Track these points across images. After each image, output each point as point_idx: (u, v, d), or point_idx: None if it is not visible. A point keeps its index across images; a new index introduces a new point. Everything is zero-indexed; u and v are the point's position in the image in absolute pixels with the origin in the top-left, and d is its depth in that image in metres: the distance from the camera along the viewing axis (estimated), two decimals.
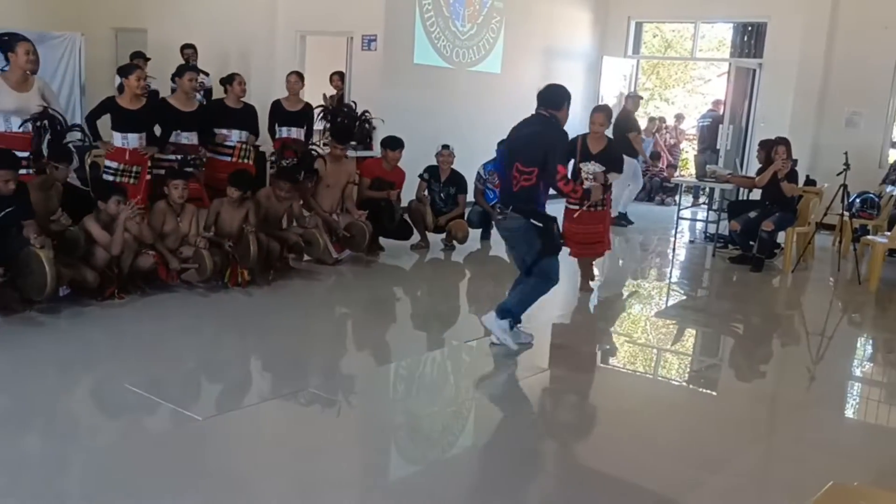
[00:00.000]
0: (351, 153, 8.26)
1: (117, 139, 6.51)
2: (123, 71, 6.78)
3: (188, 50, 9.79)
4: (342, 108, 9.42)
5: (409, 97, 10.09)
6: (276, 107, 8.39)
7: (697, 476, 3.71)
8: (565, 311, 6.69)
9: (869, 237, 8.34)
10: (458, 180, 8.60)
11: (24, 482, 3.30)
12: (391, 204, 7.94)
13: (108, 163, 6.54)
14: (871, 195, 9.68)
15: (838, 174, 8.03)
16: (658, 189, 13.62)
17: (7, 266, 5.16)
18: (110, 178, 6.44)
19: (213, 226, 6.37)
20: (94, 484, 3.37)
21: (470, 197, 8.87)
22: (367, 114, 9.34)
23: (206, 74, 9.27)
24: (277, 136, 8.31)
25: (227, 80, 7.59)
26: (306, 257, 7.16)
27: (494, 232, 9.02)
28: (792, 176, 8.34)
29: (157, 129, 6.84)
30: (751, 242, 8.45)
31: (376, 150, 8.74)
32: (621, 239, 10.81)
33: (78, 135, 6.64)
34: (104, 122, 6.62)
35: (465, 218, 8.67)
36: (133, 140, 6.51)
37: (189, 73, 7.15)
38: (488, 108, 10.88)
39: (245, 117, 7.48)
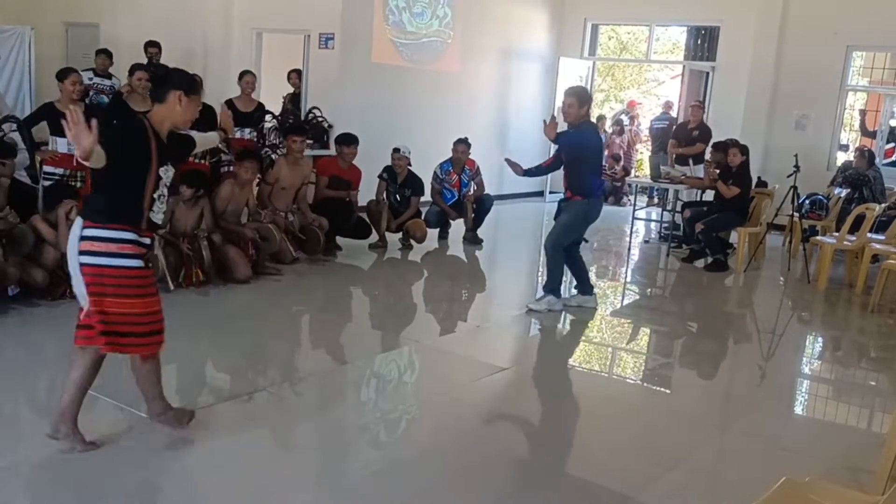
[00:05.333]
0: (307, 152, 8.19)
1: (62, 145, 6.21)
2: (60, 75, 6.44)
3: (152, 49, 9.32)
4: (290, 112, 9.29)
5: (367, 96, 10.06)
6: (230, 107, 8.17)
7: (653, 472, 3.75)
8: (522, 311, 6.72)
9: (818, 237, 8.53)
10: (414, 182, 8.57)
11: None
12: (349, 204, 7.90)
13: (51, 169, 6.21)
14: (820, 197, 9.91)
15: (789, 176, 8.21)
16: (612, 190, 13.77)
17: None
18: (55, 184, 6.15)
19: (168, 225, 6.27)
20: (45, 490, 3.29)
21: (427, 197, 8.86)
22: (315, 110, 9.29)
23: None
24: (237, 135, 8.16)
25: None
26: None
27: (451, 231, 9.07)
28: (743, 177, 8.48)
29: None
30: (700, 244, 8.64)
31: (332, 149, 8.68)
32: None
33: (14, 126, 6.44)
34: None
35: (423, 217, 8.66)
36: None
37: (138, 73, 6.96)
38: (445, 107, 10.89)
39: (207, 118, 7.43)
